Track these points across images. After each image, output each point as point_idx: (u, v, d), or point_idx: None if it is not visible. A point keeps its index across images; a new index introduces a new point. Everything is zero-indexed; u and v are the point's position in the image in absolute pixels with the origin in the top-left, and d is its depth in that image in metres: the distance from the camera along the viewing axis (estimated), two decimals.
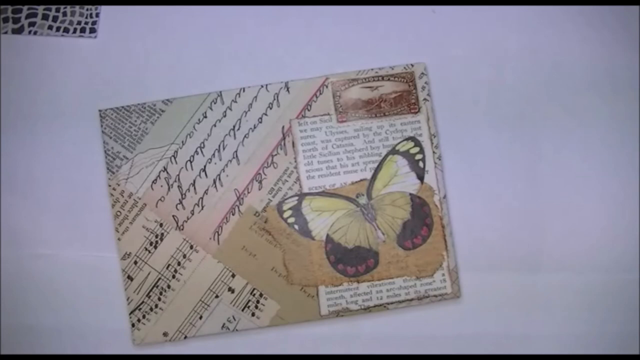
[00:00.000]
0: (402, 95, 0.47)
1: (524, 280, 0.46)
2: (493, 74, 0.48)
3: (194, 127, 0.46)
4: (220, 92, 0.47)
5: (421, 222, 0.46)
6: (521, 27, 0.48)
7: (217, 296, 0.46)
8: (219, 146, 0.46)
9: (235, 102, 0.47)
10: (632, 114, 0.48)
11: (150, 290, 0.46)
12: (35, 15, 0.48)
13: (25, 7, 0.48)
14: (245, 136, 0.46)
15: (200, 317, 0.45)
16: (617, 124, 0.47)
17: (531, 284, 0.46)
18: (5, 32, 0.48)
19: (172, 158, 0.46)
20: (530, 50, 0.48)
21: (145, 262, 0.46)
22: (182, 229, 0.46)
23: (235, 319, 0.46)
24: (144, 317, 0.45)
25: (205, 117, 0.47)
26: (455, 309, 0.46)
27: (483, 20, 0.48)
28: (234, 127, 0.47)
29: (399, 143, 0.46)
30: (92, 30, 0.48)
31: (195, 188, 0.46)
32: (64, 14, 0.48)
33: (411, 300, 0.46)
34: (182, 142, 0.46)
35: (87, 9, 0.48)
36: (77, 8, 0.48)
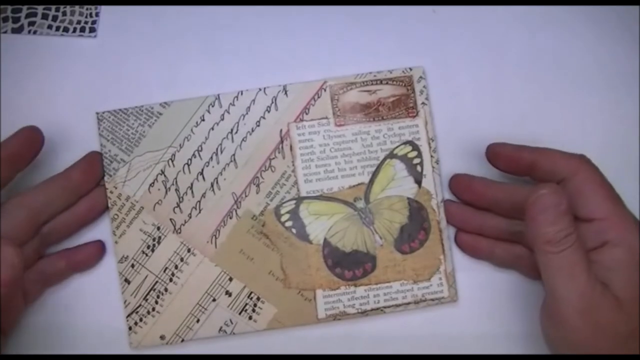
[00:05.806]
0: (400, 99, 0.46)
1: (521, 284, 0.46)
2: (493, 76, 0.48)
3: (191, 130, 0.46)
4: (218, 95, 0.47)
5: (419, 226, 0.46)
6: (521, 27, 0.48)
7: (214, 299, 0.46)
8: (217, 149, 0.46)
9: (233, 105, 0.46)
10: (633, 114, 0.47)
11: (148, 294, 0.46)
12: (34, 14, 0.48)
13: (24, 7, 0.48)
14: (243, 139, 0.46)
15: (198, 321, 0.46)
16: (618, 124, 0.47)
17: (529, 287, 0.46)
18: (5, 32, 0.48)
19: (170, 161, 0.46)
20: (530, 51, 0.48)
21: (143, 266, 0.46)
22: (180, 232, 0.46)
23: (232, 323, 0.46)
24: (141, 320, 0.46)
25: (203, 120, 0.46)
26: (452, 313, 0.46)
27: (483, 20, 0.48)
28: (232, 130, 0.46)
29: (396, 147, 0.46)
30: (92, 30, 0.48)
31: (192, 191, 0.46)
32: (64, 14, 0.48)
33: (408, 304, 0.46)
34: (180, 145, 0.46)
35: (87, 9, 0.48)
36: (77, 8, 0.48)
